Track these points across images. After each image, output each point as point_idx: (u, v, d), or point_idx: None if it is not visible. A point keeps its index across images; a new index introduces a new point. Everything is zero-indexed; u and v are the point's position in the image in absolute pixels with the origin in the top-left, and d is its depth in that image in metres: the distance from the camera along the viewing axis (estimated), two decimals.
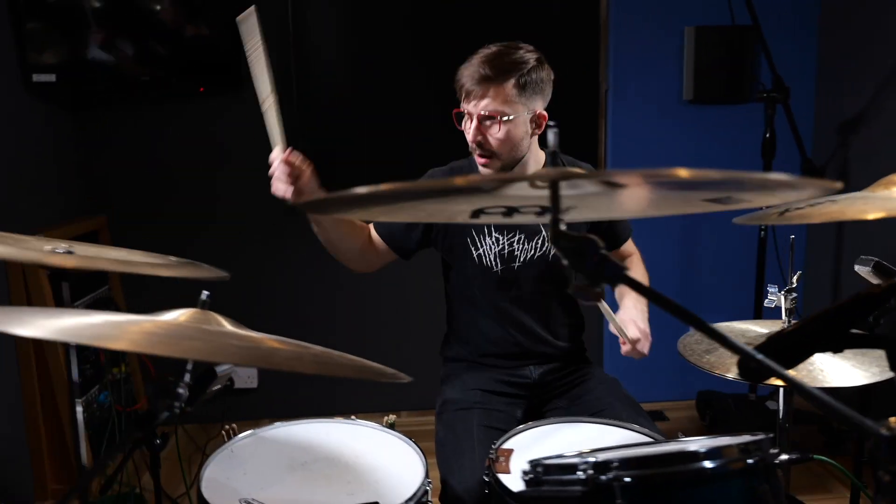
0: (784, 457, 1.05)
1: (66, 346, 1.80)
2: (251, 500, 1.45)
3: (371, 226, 1.97)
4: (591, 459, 0.96)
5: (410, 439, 1.68)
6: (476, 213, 0.96)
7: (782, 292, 1.49)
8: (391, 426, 1.78)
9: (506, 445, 1.64)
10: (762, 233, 2.92)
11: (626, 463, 0.95)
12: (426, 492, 1.50)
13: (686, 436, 1.41)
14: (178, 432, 3.08)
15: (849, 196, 1.39)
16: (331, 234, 1.85)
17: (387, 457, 1.63)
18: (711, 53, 3.13)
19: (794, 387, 0.78)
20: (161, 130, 3.24)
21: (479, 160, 1.81)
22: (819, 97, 3.27)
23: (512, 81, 1.72)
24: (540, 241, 1.91)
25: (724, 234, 3.31)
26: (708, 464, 0.97)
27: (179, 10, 3.02)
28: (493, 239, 1.90)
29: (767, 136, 2.82)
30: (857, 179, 1.97)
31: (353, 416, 1.82)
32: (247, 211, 3.27)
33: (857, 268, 1.55)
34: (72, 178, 3.16)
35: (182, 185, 3.27)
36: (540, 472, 1.04)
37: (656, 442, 1.38)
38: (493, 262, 1.91)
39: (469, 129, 1.77)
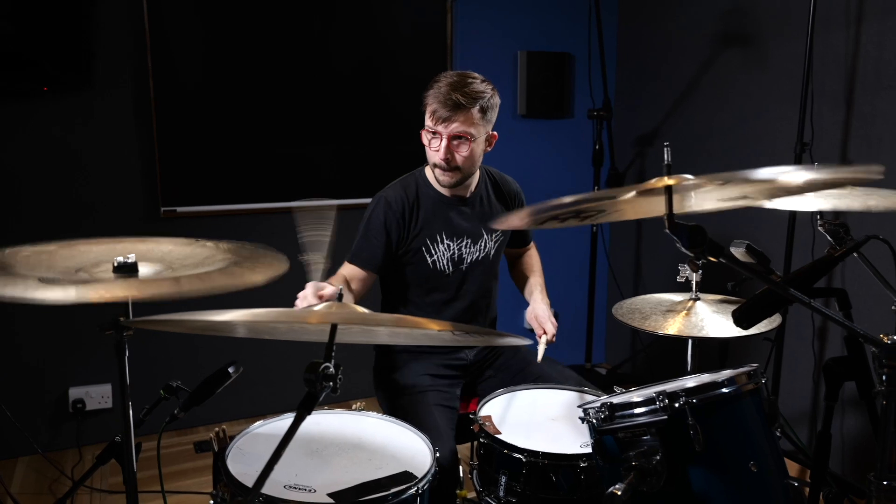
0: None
1: None
2: (297, 486, 1.55)
3: (351, 267, 2.11)
4: (664, 390, 1.29)
5: (396, 418, 1.87)
6: None
7: (697, 270, 1.95)
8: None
9: (482, 413, 1.91)
10: (594, 227, 3.50)
11: (689, 392, 1.30)
12: (436, 459, 1.71)
13: (622, 389, 1.81)
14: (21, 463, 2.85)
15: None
16: None
17: (386, 435, 1.80)
18: (540, 75, 3.64)
19: (828, 317, 1.17)
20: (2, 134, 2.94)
21: (441, 172, 2.08)
22: (617, 115, 3.95)
23: (477, 107, 2.02)
24: (483, 244, 2.21)
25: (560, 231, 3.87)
26: (729, 388, 1.36)
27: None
28: (445, 245, 2.16)
29: (597, 147, 3.39)
30: None
31: (325, 407, 1.96)
32: (104, 226, 3.09)
33: (731, 249, 2.06)
34: None
35: (28, 191, 3.00)
36: (612, 408, 1.35)
37: (623, 392, 1.74)
38: (446, 266, 2.17)
39: (439, 147, 2.03)
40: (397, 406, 2.11)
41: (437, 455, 1.69)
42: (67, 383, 3.18)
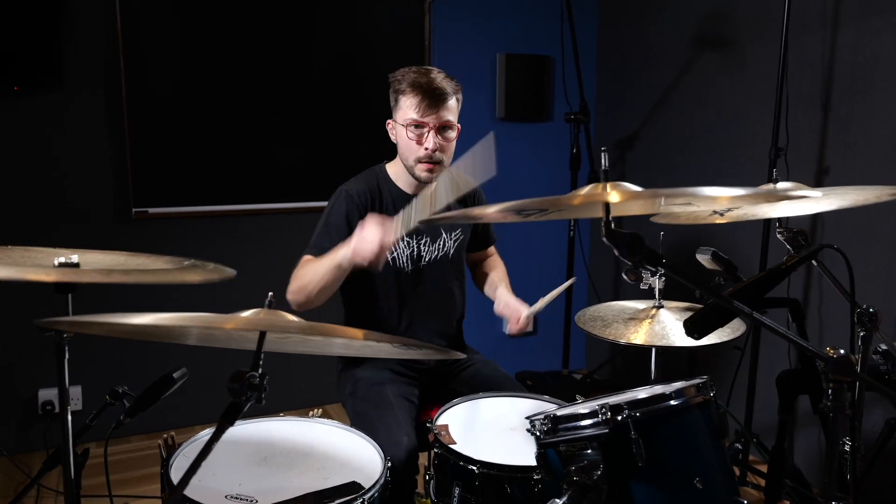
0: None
1: None
2: (239, 496, 1.51)
3: (311, 259, 2.04)
4: (607, 403, 1.25)
5: (349, 426, 1.83)
6: None
7: (655, 276, 1.91)
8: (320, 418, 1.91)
9: (439, 422, 1.87)
10: (571, 232, 3.46)
11: (632, 404, 1.26)
12: (388, 469, 1.67)
13: (583, 398, 1.77)
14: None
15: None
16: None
17: (338, 443, 1.76)
18: (520, 77, 3.60)
19: (771, 330, 1.13)
20: None
21: (425, 167, 2.03)
22: (598, 119, 3.91)
23: (455, 98, 2.04)
24: (441, 243, 2.17)
25: (536, 232, 3.84)
26: (676, 401, 1.32)
27: None
28: (405, 242, 2.11)
29: (574, 151, 3.35)
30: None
31: (280, 414, 1.92)
32: (74, 227, 3.06)
33: (698, 256, 2.03)
34: None
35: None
36: (555, 421, 1.31)
37: (581, 402, 1.71)
38: (405, 264, 2.12)
39: (428, 138, 1.99)
40: (352, 399, 2.08)
41: (389, 464, 1.65)
42: (37, 385, 3.15)
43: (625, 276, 1.07)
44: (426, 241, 2.16)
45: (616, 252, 1.12)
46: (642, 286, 1.94)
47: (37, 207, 3.02)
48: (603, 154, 1.14)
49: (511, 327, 2.08)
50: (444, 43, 3.54)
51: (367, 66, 3.39)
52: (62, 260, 1.29)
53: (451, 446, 1.74)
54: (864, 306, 1.48)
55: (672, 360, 2.07)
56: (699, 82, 3.30)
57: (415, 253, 2.14)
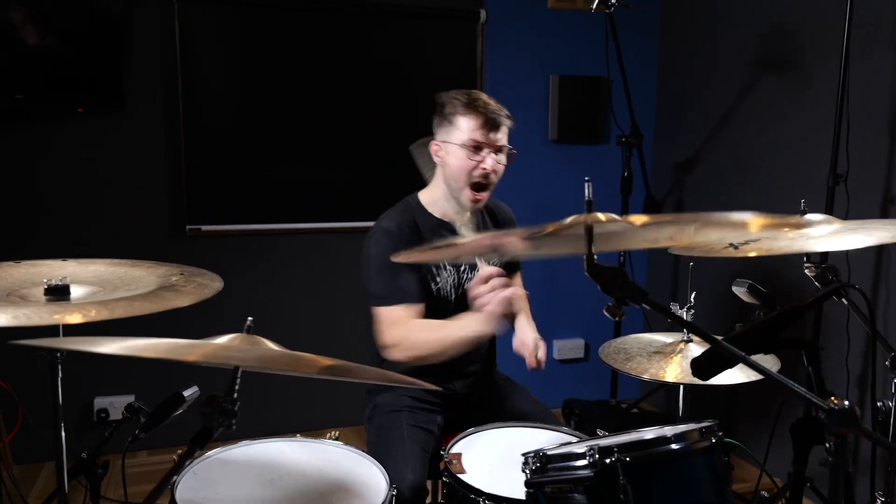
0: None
1: None
2: None
3: (400, 308, 2.01)
4: (597, 445, 1.19)
5: (364, 451, 1.82)
6: None
7: (683, 309, 1.82)
8: (336, 440, 1.90)
9: (453, 450, 1.82)
10: (621, 258, 3.36)
11: (623, 447, 1.19)
12: (393, 497, 1.64)
13: (606, 433, 1.69)
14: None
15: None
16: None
17: (348, 469, 1.75)
18: (572, 99, 3.54)
19: (766, 375, 1.05)
20: (33, 154, 3.07)
21: (476, 195, 2.02)
22: (657, 142, 3.80)
23: (508, 123, 2.05)
24: (479, 271, 2.14)
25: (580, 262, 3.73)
26: (677, 445, 1.24)
27: (36, 22, 2.89)
28: (448, 271, 2.09)
29: (625, 174, 3.26)
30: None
31: (297, 435, 1.93)
32: (130, 243, 3.18)
33: (734, 289, 1.92)
34: None
35: (55, 214, 3.12)
36: (544, 460, 1.25)
37: (597, 437, 1.64)
38: (450, 293, 2.10)
39: (484, 159, 1.99)
40: (369, 425, 2.06)
41: (394, 493, 1.63)
42: (94, 392, 3.28)
43: (606, 313, 1.01)
44: (466, 269, 2.13)
45: (599, 287, 1.07)
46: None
47: (94, 222, 3.16)
48: (587, 185, 1.09)
49: (529, 363, 2.03)
50: (496, 64, 3.52)
51: (419, 88, 3.41)
52: (53, 283, 1.29)
53: (460, 475, 1.69)
54: None
55: (709, 396, 1.96)
56: (760, 103, 3.16)
57: (456, 281, 2.11)
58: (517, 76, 3.55)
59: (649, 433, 1.31)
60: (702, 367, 1.28)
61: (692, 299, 1.83)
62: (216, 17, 3.15)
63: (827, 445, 1.02)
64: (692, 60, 3.58)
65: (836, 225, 1.40)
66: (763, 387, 2.56)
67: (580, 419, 3.51)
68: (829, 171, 2.51)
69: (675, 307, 1.84)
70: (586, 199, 1.07)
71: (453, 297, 2.10)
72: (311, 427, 3.22)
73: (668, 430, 1.27)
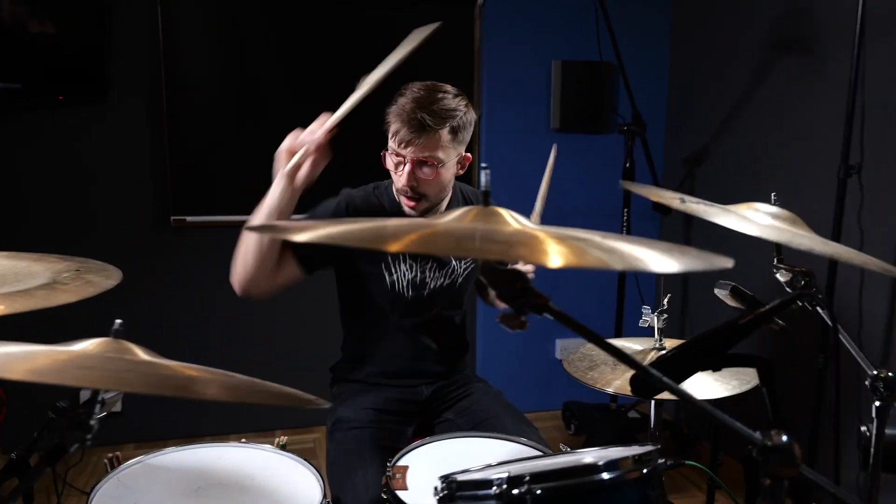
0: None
1: None
2: None
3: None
4: (505, 474, 1.03)
5: (306, 460, 1.69)
6: None
7: (655, 313, 1.65)
8: (283, 447, 1.78)
9: (400, 462, 1.68)
10: None
11: (537, 477, 1.04)
12: None
13: (569, 448, 1.53)
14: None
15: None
16: (267, 247, 1.80)
17: (282, 478, 1.62)
18: (576, 86, 3.35)
19: (687, 401, 0.89)
20: (13, 145, 3.02)
21: (408, 202, 1.83)
22: (668, 131, 3.59)
23: (446, 129, 1.76)
24: (450, 271, 1.99)
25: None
26: (608, 475, 1.08)
27: (18, 7, 2.81)
28: (407, 265, 1.94)
29: (627, 165, 3.07)
30: None
31: (243, 439, 1.81)
32: (113, 234, 3.11)
33: (716, 291, 1.73)
34: None
35: (36, 204, 3.06)
36: (454, 487, 1.11)
37: (550, 455, 1.48)
38: (405, 289, 1.95)
39: (402, 172, 1.79)
40: (330, 441, 1.93)
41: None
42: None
43: (501, 324, 0.85)
44: (432, 267, 1.98)
45: (494, 294, 0.92)
46: (640, 324, 1.68)
47: (77, 213, 3.09)
48: (483, 172, 0.93)
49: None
50: (494, 50, 3.36)
51: (410, 75, 3.26)
52: None
53: (399, 492, 1.55)
54: (880, 372, 1.18)
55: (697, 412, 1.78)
56: (774, 93, 2.93)
57: (417, 279, 1.96)
58: (517, 62, 3.38)
59: (590, 457, 1.15)
60: (640, 383, 1.12)
61: (665, 303, 1.66)
62: (200, 5, 3.05)
63: (760, 488, 0.86)
64: (704, 49, 3.36)
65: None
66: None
67: (579, 423, 3.35)
68: (840, 162, 2.30)
69: (646, 310, 1.67)
70: (483, 187, 0.92)
71: (409, 294, 1.95)
72: (278, 427, 3.13)
73: (607, 455, 1.11)
